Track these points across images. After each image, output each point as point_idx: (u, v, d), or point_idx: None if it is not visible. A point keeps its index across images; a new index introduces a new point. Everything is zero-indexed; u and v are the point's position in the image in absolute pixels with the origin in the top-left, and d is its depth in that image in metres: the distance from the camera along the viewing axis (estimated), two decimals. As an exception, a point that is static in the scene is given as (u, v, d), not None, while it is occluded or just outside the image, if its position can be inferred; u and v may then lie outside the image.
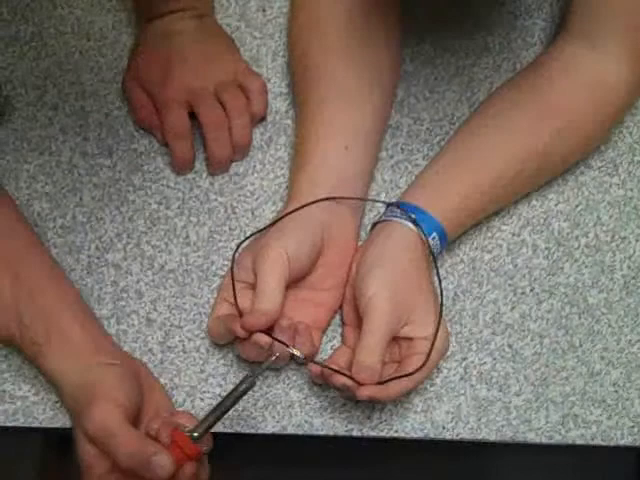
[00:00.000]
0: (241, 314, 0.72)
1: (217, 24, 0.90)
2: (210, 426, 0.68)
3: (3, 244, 0.75)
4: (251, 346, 0.72)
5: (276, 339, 0.71)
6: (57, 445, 0.78)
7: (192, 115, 0.84)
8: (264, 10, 0.92)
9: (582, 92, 0.81)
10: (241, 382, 0.69)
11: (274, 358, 0.72)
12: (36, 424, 0.76)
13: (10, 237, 0.76)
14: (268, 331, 0.72)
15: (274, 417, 0.77)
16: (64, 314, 0.72)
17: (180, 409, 0.76)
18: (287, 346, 0.72)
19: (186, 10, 0.87)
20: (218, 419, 0.69)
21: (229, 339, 0.76)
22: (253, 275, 0.73)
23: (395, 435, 0.77)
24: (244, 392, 0.69)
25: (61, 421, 0.76)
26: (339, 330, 0.80)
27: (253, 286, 0.73)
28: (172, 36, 0.86)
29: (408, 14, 0.88)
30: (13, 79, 0.87)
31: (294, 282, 0.75)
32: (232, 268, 0.76)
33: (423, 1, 0.92)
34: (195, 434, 0.68)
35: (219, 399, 0.76)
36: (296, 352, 0.72)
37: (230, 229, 0.83)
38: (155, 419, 0.70)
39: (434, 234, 0.76)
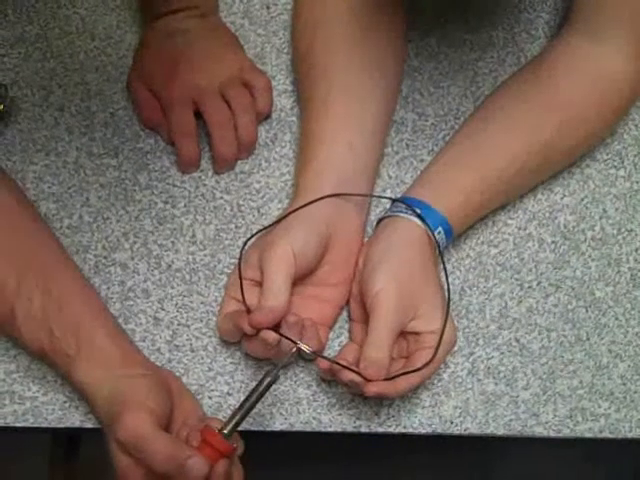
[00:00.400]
0: (249, 311, 0.73)
1: (221, 22, 0.90)
2: (238, 423, 0.69)
3: (33, 257, 0.75)
4: (259, 343, 0.72)
5: (284, 336, 0.72)
6: (66, 445, 0.79)
7: (197, 113, 0.85)
8: (268, 7, 0.92)
9: (586, 85, 0.81)
10: (264, 377, 0.69)
11: (294, 350, 0.72)
12: (45, 424, 0.76)
13: (39, 251, 0.76)
14: (275, 327, 0.72)
15: (282, 414, 0.77)
16: (93, 326, 0.73)
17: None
18: (295, 343, 0.72)
19: (190, 9, 0.87)
20: (245, 415, 0.69)
21: (239, 337, 0.76)
22: (260, 272, 0.74)
23: (403, 431, 0.78)
24: (269, 386, 0.69)
25: (70, 421, 0.76)
26: (346, 327, 0.80)
27: (260, 283, 0.73)
28: (177, 35, 0.86)
29: (412, 9, 0.88)
30: (19, 80, 0.87)
31: (300, 279, 0.75)
32: (239, 265, 0.76)
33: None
34: (225, 431, 0.68)
35: (227, 397, 0.77)
36: (304, 348, 0.72)
37: (236, 227, 0.83)
38: (184, 427, 0.70)
39: (439, 229, 0.76)
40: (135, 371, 0.72)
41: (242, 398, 0.76)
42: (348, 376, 0.71)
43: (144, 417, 0.67)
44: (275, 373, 0.69)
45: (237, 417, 0.69)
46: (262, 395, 0.69)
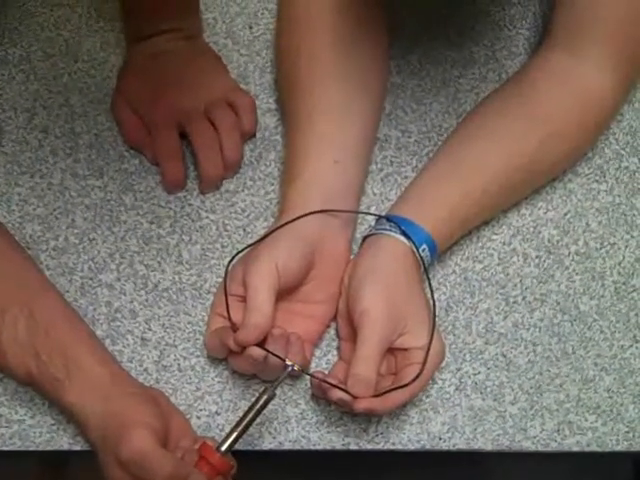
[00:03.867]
0: (234, 327, 0.73)
1: (206, 44, 0.90)
2: (235, 440, 0.69)
3: (16, 284, 0.75)
4: (245, 359, 0.72)
5: (270, 352, 0.71)
6: (54, 468, 0.78)
7: (182, 134, 0.85)
8: (250, 27, 0.92)
9: (567, 100, 0.82)
10: (261, 394, 0.70)
11: (289, 369, 0.72)
12: (33, 447, 0.76)
13: (22, 276, 0.76)
14: (261, 342, 0.72)
15: (270, 433, 0.77)
16: (80, 349, 0.72)
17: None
18: (282, 359, 0.72)
19: (175, 31, 0.87)
20: (243, 433, 0.69)
21: (226, 353, 0.76)
22: (244, 288, 0.74)
23: (392, 447, 0.78)
24: (266, 404, 0.69)
25: (58, 444, 0.76)
26: (334, 344, 0.80)
27: (245, 299, 0.73)
28: (161, 57, 0.86)
29: (394, 27, 0.89)
30: (2, 103, 0.87)
31: (286, 294, 0.76)
32: (225, 281, 0.76)
33: (409, 14, 0.93)
34: (222, 449, 0.68)
35: (215, 417, 0.77)
36: (290, 364, 0.72)
37: (222, 246, 0.84)
38: (179, 448, 0.70)
39: (424, 245, 0.77)
40: (126, 389, 0.72)
41: (231, 417, 0.76)
42: (336, 394, 0.72)
43: (147, 434, 0.67)
44: (272, 390, 0.69)
45: (234, 435, 0.69)
46: (259, 413, 0.69)
